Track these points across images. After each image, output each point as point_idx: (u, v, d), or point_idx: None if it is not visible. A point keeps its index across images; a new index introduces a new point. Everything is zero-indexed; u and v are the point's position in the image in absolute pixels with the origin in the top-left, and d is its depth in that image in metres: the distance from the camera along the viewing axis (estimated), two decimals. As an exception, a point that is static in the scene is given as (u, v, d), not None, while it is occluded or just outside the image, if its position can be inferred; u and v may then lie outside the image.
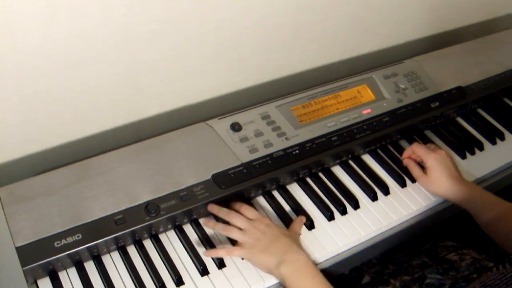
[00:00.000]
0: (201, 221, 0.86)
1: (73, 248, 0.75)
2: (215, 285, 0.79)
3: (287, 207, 0.92)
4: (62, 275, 0.77)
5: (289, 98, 1.00)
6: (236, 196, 0.89)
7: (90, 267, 0.79)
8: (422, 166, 0.97)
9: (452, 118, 1.15)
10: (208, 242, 0.84)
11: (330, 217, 0.90)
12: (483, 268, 0.95)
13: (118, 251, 0.81)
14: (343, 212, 0.92)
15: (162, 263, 0.81)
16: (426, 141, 1.08)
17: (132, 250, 0.82)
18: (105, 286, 0.77)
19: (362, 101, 1.04)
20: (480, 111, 1.19)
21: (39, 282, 0.76)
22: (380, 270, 1.00)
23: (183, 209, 0.83)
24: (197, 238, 0.85)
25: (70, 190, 0.80)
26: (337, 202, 0.92)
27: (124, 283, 0.78)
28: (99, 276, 0.78)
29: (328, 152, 0.96)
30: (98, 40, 0.85)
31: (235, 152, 0.90)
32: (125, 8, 0.83)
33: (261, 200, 0.92)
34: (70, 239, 0.76)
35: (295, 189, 0.95)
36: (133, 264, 0.80)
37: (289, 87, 1.17)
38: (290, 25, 1.08)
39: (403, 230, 0.92)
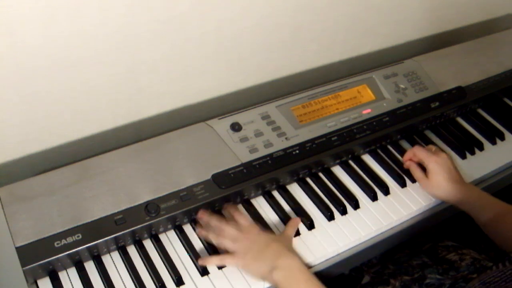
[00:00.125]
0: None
1: (73, 248, 0.75)
2: (215, 285, 0.79)
3: (287, 207, 0.92)
4: (62, 275, 0.77)
5: (289, 98, 1.00)
6: (236, 196, 0.89)
7: (90, 267, 0.79)
8: (423, 167, 0.97)
9: (452, 118, 1.15)
10: (208, 242, 0.84)
11: (330, 217, 0.90)
12: (483, 268, 0.95)
13: (118, 251, 0.81)
14: (343, 212, 0.92)
15: (162, 263, 0.81)
16: (426, 141, 1.08)
17: (132, 250, 0.82)
18: (105, 286, 0.77)
19: (362, 101, 1.04)
20: (480, 111, 1.19)
21: (39, 282, 0.76)
22: (380, 270, 1.00)
23: (183, 209, 0.83)
24: (197, 238, 0.85)
25: (70, 190, 0.80)
26: (337, 202, 0.92)
27: (124, 283, 0.78)
28: (99, 276, 0.78)
29: (328, 152, 0.96)
30: (98, 40, 0.85)
31: (235, 152, 0.90)
32: (125, 8, 0.83)
33: (261, 200, 0.92)
34: (70, 239, 0.76)
35: (295, 189, 0.95)
36: (133, 264, 0.80)
37: (289, 87, 1.17)
38: (290, 25, 1.08)
39: (403, 230, 0.93)
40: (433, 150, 0.97)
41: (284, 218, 0.89)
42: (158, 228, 0.83)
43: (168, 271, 0.80)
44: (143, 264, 0.80)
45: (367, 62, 1.29)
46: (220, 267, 0.81)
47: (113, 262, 0.80)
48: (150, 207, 0.81)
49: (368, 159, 1.03)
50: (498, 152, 1.08)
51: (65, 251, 0.75)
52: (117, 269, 0.79)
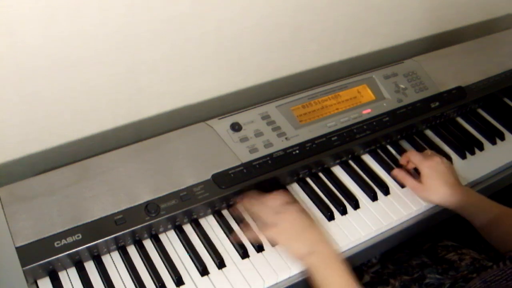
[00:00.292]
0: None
1: (73, 248, 0.75)
2: (215, 285, 0.79)
3: (287, 207, 0.92)
4: (62, 275, 0.77)
5: (289, 98, 1.00)
6: (236, 196, 0.89)
7: (90, 267, 0.79)
8: (419, 172, 0.96)
9: (452, 118, 1.15)
10: (208, 242, 0.84)
11: (330, 217, 0.90)
12: (482, 268, 0.95)
13: (118, 251, 0.81)
14: (343, 212, 0.92)
15: (162, 263, 0.81)
16: (426, 141, 1.08)
17: (132, 250, 0.82)
18: (105, 286, 0.77)
19: (362, 101, 1.04)
20: (480, 111, 1.19)
21: (39, 282, 0.76)
22: (380, 270, 1.00)
23: (183, 209, 0.83)
24: (197, 238, 0.85)
25: (70, 190, 0.80)
26: (337, 202, 0.93)
27: (124, 283, 0.78)
28: (99, 276, 0.78)
29: (328, 152, 0.96)
30: (98, 40, 0.85)
31: (235, 152, 0.90)
32: (125, 8, 0.83)
33: (261, 200, 0.92)
34: (70, 239, 0.76)
35: (295, 189, 0.95)
36: (133, 264, 0.80)
37: (289, 87, 1.17)
38: (290, 25, 1.08)
39: (403, 230, 0.92)
40: (429, 154, 0.96)
41: (284, 218, 0.89)
42: (158, 228, 0.83)
43: (168, 271, 0.80)
44: (143, 264, 0.80)
45: (367, 62, 1.29)
46: (220, 267, 0.81)
47: (113, 262, 0.80)
48: (150, 207, 0.81)
49: (368, 159, 1.03)
50: (498, 152, 1.08)
51: (65, 251, 0.75)
52: (117, 269, 0.79)
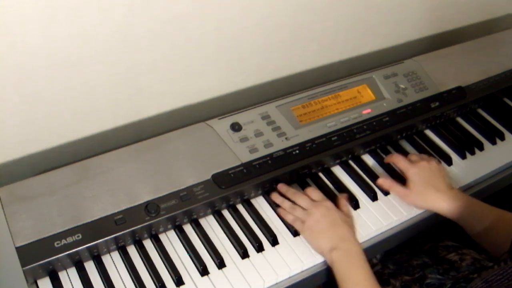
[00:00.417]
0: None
1: (73, 248, 0.75)
2: (215, 285, 0.79)
3: (287, 207, 0.92)
4: (62, 275, 0.77)
5: (289, 98, 1.00)
6: (236, 196, 0.89)
7: (90, 267, 0.79)
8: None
9: (452, 118, 1.15)
10: (208, 242, 0.84)
11: (330, 217, 0.90)
12: (483, 268, 0.95)
13: (118, 251, 0.81)
14: (343, 212, 0.91)
15: (162, 263, 0.81)
16: (426, 141, 1.08)
17: (132, 250, 0.82)
18: (105, 286, 0.77)
19: (362, 101, 1.04)
20: (480, 111, 1.19)
21: (39, 282, 0.76)
22: (381, 270, 1.00)
23: (183, 209, 0.83)
24: (197, 238, 0.85)
25: (70, 190, 0.80)
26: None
27: (124, 283, 0.78)
28: (99, 276, 0.78)
29: (328, 152, 0.96)
30: (98, 40, 0.85)
31: (235, 152, 0.90)
32: (125, 8, 0.83)
33: (261, 200, 0.92)
34: (70, 239, 0.76)
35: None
36: (133, 264, 0.80)
37: (289, 87, 1.17)
38: (290, 25, 1.08)
39: (403, 230, 0.92)
40: (412, 160, 0.94)
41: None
42: (158, 228, 0.83)
43: (168, 271, 0.80)
44: (143, 264, 0.80)
45: (367, 62, 1.29)
46: (220, 267, 0.81)
47: (113, 262, 0.80)
48: (150, 207, 0.81)
49: (368, 159, 1.03)
50: (498, 152, 1.08)
51: (65, 251, 0.75)
52: (117, 269, 0.79)
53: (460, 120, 1.15)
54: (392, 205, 0.94)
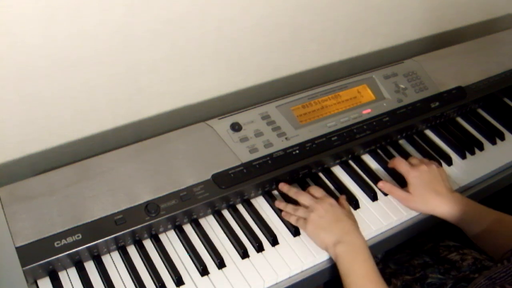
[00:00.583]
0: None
1: (73, 248, 0.75)
2: (215, 285, 0.79)
3: (287, 207, 0.92)
4: (62, 275, 0.77)
5: (289, 98, 1.00)
6: (236, 196, 0.89)
7: (90, 267, 0.79)
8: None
9: (452, 118, 1.15)
10: (208, 242, 0.84)
11: (330, 217, 0.90)
12: (484, 268, 0.95)
13: (118, 251, 0.81)
14: (343, 212, 0.91)
15: (162, 263, 0.81)
16: (426, 141, 1.08)
17: (132, 250, 0.82)
18: (105, 286, 0.77)
19: (362, 101, 1.04)
20: (480, 111, 1.19)
21: (39, 282, 0.76)
22: (382, 269, 1.00)
23: (183, 209, 0.83)
24: (197, 238, 0.85)
25: (70, 190, 0.80)
26: (337, 202, 0.92)
27: (124, 283, 0.78)
28: (99, 276, 0.78)
29: (328, 152, 0.96)
30: (98, 40, 0.85)
31: (235, 152, 0.90)
32: (125, 8, 0.83)
33: (261, 200, 0.92)
34: (70, 239, 0.76)
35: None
36: (133, 264, 0.80)
37: (289, 87, 1.18)
38: (290, 25, 1.08)
39: (403, 230, 0.92)
40: (414, 163, 0.94)
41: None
42: (158, 228, 0.83)
43: (168, 271, 0.80)
44: (143, 264, 0.80)
45: (367, 62, 1.29)
46: (220, 267, 0.81)
47: (113, 262, 0.80)
48: (150, 207, 0.81)
49: (368, 159, 1.03)
50: (498, 152, 1.08)
51: (65, 251, 0.75)
52: (117, 269, 0.79)
53: (460, 120, 1.15)
54: (392, 205, 0.94)
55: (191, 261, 0.82)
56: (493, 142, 1.10)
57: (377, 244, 0.90)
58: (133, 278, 0.78)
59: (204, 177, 0.86)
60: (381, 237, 0.90)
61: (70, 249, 0.75)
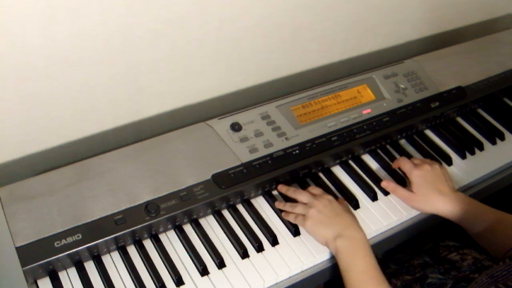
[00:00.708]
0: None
1: (73, 248, 0.75)
2: (215, 285, 0.79)
3: (287, 207, 0.92)
4: (62, 275, 0.77)
5: (289, 98, 1.00)
6: (236, 196, 0.89)
7: (90, 267, 0.79)
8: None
9: (452, 118, 1.15)
10: (208, 242, 0.84)
11: (330, 217, 0.90)
12: (484, 268, 0.95)
13: (118, 251, 0.81)
14: (343, 212, 0.91)
15: (162, 263, 0.81)
16: (426, 141, 1.08)
17: (132, 250, 0.82)
18: (105, 286, 0.77)
19: (362, 101, 1.04)
20: (480, 111, 1.19)
21: (39, 282, 0.76)
22: (382, 269, 0.99)
23: (183, 209, 0.83)
24: (197, 238, 0.85)
25: (70, 190, 0.80)
26: (337, 202, 0.92)
27: (124, 283, 0.78)
28: (99, 276, 0.78)
29: (328, 152, 0.96)
30: (98, 40, 0.85)
31: (235, 152, 0.90)
32: (125, 8, 0.83)
33: (261, 200, 0.92)
34: (70, 239, 0.76)
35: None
36: (133, 264, 0.80)
37: (289, 87, 1.18)
38: (290, 25, 1.08)
39: (403, 230, 0.92)
40: (417, 162, 0.94)
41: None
42: (158, 228, 0.83)
43: (168, 271, 0.80)
44: (143, 264, 0.80)
45: (367, 62, 1.29)
46: (220, 267, 0.81)
47: (113, 262, 0.80)
48: (150, 207, 0.81)
49: (368, 159, 1.03)
50: (498, 152, 1.08)
51: (65, 251, 0.75)
52: (117, 269, 0.79)
53: (460, 120, 1.15)
54: (392, 205, 0.94)
55: (191, 261, 0.82)
56: (493, 142, 1.10)
57: (377, 244, 0.90)
58: (133, 278, 0.78)
59: (204, 177, 0.86)
60: (381, 237, 0.90)
61: (70, 249, 0.75)
